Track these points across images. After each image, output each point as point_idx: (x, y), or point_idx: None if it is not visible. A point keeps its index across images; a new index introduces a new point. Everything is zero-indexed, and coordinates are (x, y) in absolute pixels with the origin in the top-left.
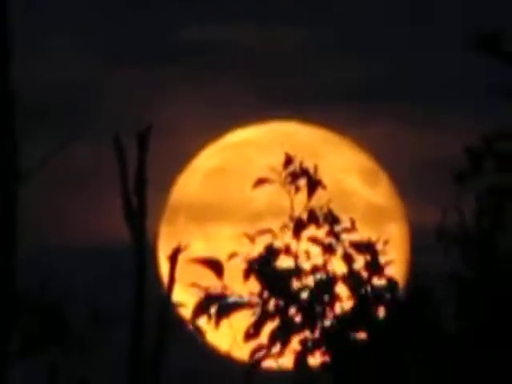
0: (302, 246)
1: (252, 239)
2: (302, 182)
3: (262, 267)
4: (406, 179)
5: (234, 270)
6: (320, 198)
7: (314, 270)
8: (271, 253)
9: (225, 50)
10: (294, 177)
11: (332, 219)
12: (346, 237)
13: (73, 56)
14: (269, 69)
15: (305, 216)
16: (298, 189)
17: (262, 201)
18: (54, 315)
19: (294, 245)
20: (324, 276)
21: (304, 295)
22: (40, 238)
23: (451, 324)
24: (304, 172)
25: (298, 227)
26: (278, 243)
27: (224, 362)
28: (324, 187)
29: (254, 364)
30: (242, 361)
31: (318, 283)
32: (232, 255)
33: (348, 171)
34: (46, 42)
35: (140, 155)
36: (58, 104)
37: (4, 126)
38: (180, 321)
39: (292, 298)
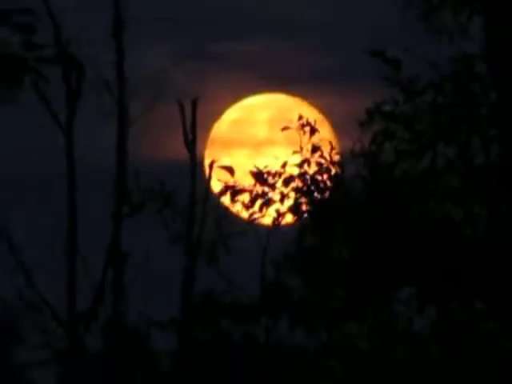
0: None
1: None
2: (307, 128)
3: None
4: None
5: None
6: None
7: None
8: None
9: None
10: (303, 126)
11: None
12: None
13: None
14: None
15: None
16: (304, 132)
17: (274, 137)
18: None
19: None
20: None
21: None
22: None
23: None
24: (308, 123)
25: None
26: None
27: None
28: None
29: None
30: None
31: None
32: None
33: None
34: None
35: (193, 114)
36: None
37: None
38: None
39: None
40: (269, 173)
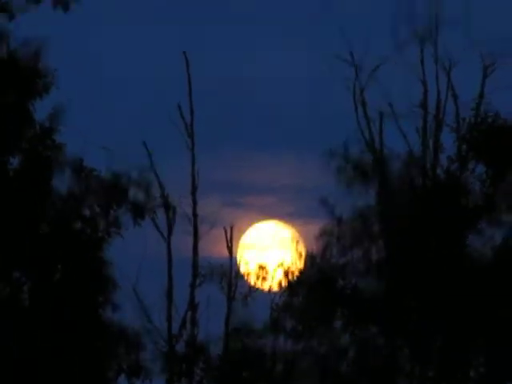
0: None
1: None
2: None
3: None
4: None
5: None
6: None
7: None
8: None
9: None
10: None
11: None
12: None
13: None
14: None
15: None
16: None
17: None
18: None
19: None
20: None
21: None
22: None
23: None
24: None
25: None
26: None
27: None
28: None
29: None
30: None
31: None
32: None
33: None
34: None
35: (231, 233)
36: None
37: None
38: None
39: None
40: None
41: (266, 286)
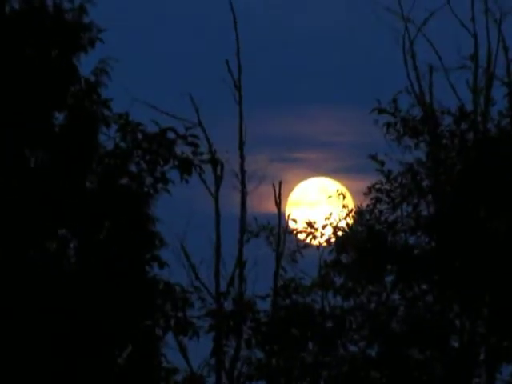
0: None
1: None
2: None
3: None
4: None
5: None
6: None
7: None
8: None
9: None
10: (339, 194)
11: None
12: None
13: None
14: None
15: None
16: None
17: None
18: None
19: None
20: None
21: None
22: None
23: None
24: (342, 194)
25: None
26: None
27: None
28: None
29: None
30: None
31: None
32: None
33: None
34: None
35: (279, 189)
36: None
37: None
38: None
39: None
40: (314, 223)
41: (314, 243)
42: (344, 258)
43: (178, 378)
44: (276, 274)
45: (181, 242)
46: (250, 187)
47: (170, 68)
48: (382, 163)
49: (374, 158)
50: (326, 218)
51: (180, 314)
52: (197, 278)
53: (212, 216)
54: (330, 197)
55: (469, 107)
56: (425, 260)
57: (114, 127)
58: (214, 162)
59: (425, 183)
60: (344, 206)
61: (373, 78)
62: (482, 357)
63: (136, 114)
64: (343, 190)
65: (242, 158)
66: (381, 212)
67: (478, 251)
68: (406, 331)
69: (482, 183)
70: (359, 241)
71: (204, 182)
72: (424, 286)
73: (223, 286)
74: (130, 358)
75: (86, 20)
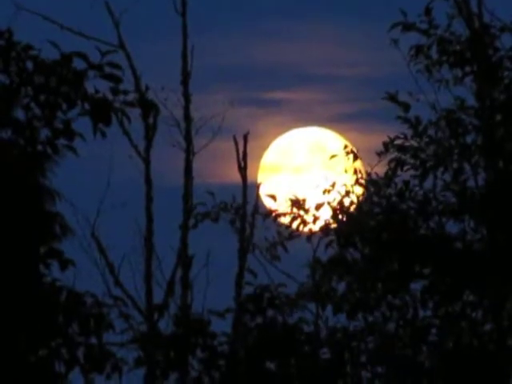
0: None
1: None
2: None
3: None
4: None
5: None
6: None
7: None
8: None
9: None
10: (348, 153)
11: None
12: None
13: None
14: None
15: None
16: (348, 158)
17: None
18: None
19: None
20: None
21: None
22: None
23: None
24: (352, 151)
25: None
26: None
27: None
28: None
29: None
30: None
31: None
32: None
33: None
34: None
35: (244, 146)
36: None
37: None
38: None
39: None
40: (304, 200)
41: (304, 230)
42: (349, 255)
43: None
44: (239, 277)
45: (92, 229)
46: (198, 143)
47: None
48: (406, 107)
49: (393, 98)
50: (323, 192)
51: (93, 341)
52: (117, 283)
53: (141, 188)
54: (332, 157)
55: None
56: (474, 258)
57: None
58: (145, 104)
59: (471, 138)
60: (355, 172)
61: None
62: None
63: (24, 32)
64: (347, 147)
65: (187, 98)
66: (406, 183)
67: None
68: (444, 368)
69: None
70: (373, 228)
71: (129, 135)
72: (471, 297)
73: (158, 296)
74: None
75: None
